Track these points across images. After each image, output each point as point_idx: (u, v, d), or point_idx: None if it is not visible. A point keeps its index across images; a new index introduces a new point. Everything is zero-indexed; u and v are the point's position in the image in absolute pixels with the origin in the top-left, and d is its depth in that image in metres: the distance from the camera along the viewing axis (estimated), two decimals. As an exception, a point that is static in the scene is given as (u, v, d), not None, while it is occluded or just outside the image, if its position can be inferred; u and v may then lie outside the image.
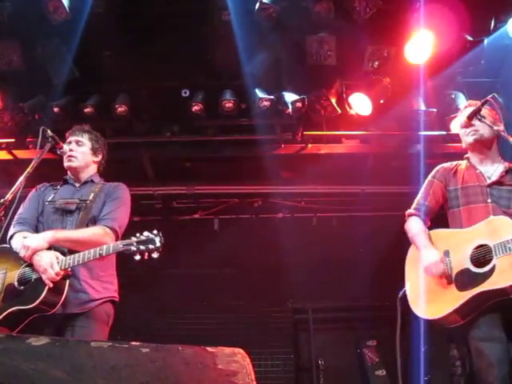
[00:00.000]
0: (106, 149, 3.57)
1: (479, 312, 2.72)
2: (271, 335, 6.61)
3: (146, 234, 2.83)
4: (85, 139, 3.43)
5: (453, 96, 5.34)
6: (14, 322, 2.90)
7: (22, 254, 2.97)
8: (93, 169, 3.48)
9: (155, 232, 2.83)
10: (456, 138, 5.34)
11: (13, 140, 5.50)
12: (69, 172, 3.45)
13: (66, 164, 3.38)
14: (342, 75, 5.35)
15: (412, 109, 5.35)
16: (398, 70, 5.17)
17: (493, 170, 3.09)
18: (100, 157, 3.51)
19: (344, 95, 5.38)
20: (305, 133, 5.58)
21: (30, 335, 1.48)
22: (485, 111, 3.13)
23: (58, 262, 2.90)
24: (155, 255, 2.80)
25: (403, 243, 5.89)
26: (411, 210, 3.27)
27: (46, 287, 2.86)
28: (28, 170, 2.91)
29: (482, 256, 2.76)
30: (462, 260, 2.81)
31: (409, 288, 3.11)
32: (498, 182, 3.03)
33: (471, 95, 5.24)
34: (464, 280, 2.76)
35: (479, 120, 3.07)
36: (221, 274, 6.71)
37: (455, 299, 2.75)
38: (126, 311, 6.52)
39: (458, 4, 4.76)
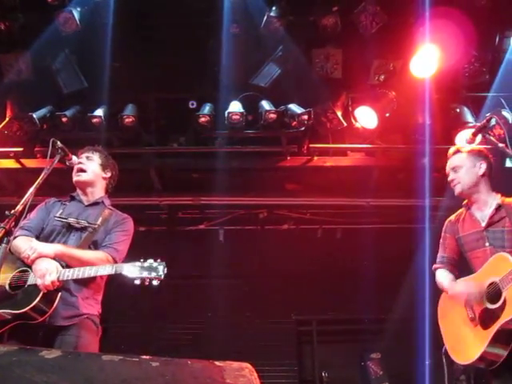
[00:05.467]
0: (115, 170, 3.61)
1: None
2: (275, 347, 6.59)
3: (150, 261, 2.91)
4: (95, 155, 3.49)
5: (458, 110, 5.37)
6: None
7: (27, 254, 3.01)
8: (102, 186, 3.51)
9: (159, 261, 2.91)
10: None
11: (21, 149, 5.55)
12: (77, 189, 3.48)
13: (74, 179, 3.42)
14: (348, 88, 5.39)
15: (417, 122, 5.38)
16: (404, 83, 5.20)
17: (486, 211, 3.19)
18: (109, 174, 3.54)
19: (350, 108, 5.41)
20: (310, 145, 5.60)
21: (42, 348, 1.50)
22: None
23: (56, 272, 2.94)
24: (155, 283, 2.88)
25: (408, 256, 5.95)
26: (435, 265, 3.43)
27: (40, 293, 2.89)
28: (38, 181, 2.93)
29: (494, 293, 2.91)
30: (481, 302, 2.98)
31: (445, 339, 3.24)
32: (490, 224, 3.13)
33: (476, 109, 5.29)
34: (486, 318, 2.91)
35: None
36: (225, 285, 6.70)
37: (484, 338, 2.88)
38: (130, 321, 6.56)
39: (464, 19, 4.81)
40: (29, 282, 2.98)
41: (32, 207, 3.12)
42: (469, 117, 5.23)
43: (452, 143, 5.36)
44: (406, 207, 6.09)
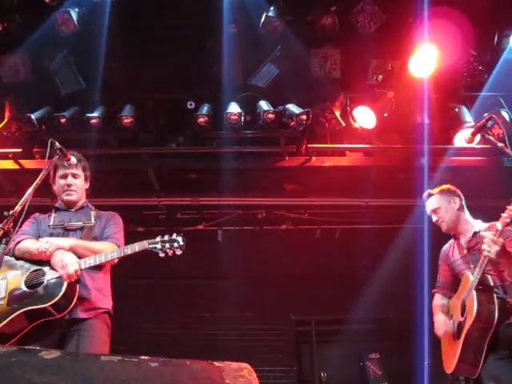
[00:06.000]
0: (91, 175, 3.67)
1: None
2: (274, 347, 6.60)
3: (167, 235, 3.06)
4: (79, 171, 3.49)
5: (456, 109, 5.37)
6: (18, 326, 2.93)
7: (43, 248, 3.04)
8: (84, 194, 3.58)
9: (175, 234, 3.06)
10: (460, 152, 5.40)
11: (19, 150, 5.54)
12: (61, 200, 3.50)
13: (66, 198, 3.44)
14: (346, 88, 5.38)
15: (416, 122, 5.38)
16: (402, 83, 5.20)
17: (468, 238, 3.55)
18: (88, 183, 3.61)
19: (348, 108, 5.41)
20: (309, 145, 5.60)
21: (41, 348, 1.49)
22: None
23: (77, 261, 3.01)
24: (179, 252, 3.01)
25: (406, 256, 5.96)
26: (433, 289, 3.84)
27: (65, 284, 2.92)
28: (36, 181, 2.91)
29: (463, 307, 3.34)
30: (458, 316, 3.40)
31: (442, 355, 3.62)
32: (469, 249, 3.50)
33: (474, 109, 5.29)
34: (460, 329, 3.33)
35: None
36: (224, 286, 6.71)
37: (458, 345, 3.29)
38: (130, 322, 6.55)
39: (462, 19, 4.81)
40: (47, 278, 3.01)
41: (30, 208, 3.11)
42: (467, 116, 5.23)
43: (450, 143, 5.38)
44: (404, 207, 6.09)
